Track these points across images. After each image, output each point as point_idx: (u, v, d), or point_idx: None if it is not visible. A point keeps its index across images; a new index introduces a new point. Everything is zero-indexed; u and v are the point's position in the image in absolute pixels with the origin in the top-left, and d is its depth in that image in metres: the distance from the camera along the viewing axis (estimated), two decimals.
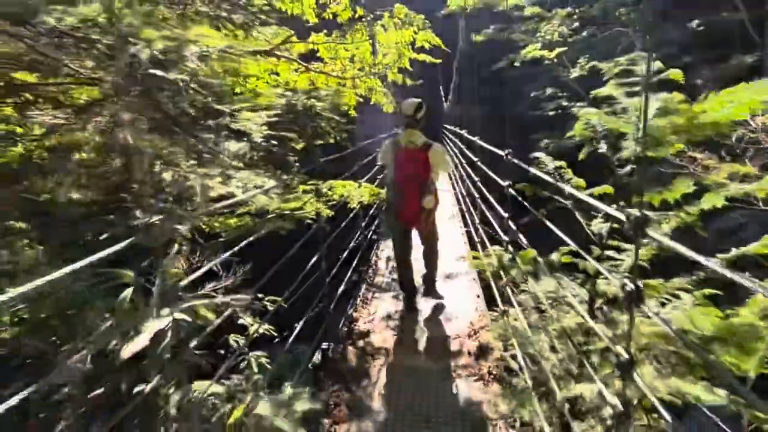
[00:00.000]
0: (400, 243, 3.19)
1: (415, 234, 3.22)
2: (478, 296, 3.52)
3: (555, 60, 13.13)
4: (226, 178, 1.67)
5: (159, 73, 1.63)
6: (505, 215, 2.56)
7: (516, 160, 2.21)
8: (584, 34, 13.54)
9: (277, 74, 3.95)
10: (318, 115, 2.57)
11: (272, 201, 1.80)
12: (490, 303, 3.44)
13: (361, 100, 5.23)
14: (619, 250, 1.72)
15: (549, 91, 14.23)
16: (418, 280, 3.36)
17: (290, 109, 2.45)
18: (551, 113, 13.81)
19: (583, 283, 1.69)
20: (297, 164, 2.27)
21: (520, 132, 12.78)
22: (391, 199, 3.07)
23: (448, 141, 11.05)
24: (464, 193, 5.91)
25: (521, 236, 2.15)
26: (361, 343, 2.91)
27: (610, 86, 1.63)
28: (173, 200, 1.54)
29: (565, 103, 14.02)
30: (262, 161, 2.27)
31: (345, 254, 3.63)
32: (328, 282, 3.00)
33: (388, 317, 3.27)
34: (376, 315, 3.32)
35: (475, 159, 4.11)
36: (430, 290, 3.42)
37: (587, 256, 1.48)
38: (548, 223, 1.79)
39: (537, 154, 2.13)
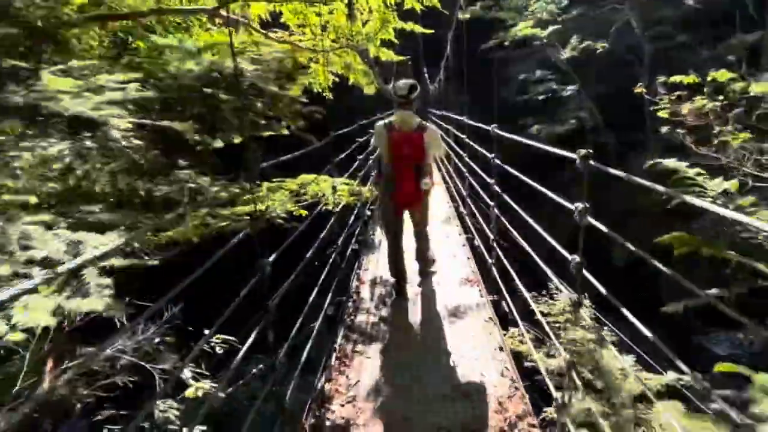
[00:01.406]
0: (392, 227, 3.09)
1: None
2: (501, 349, 2.52)
3: (545, 40, 12.20)
4: None
5: None
6: (574, 259, 1.54)
7: (622, 173, 1.17)
8: (574, 12, 12.65)
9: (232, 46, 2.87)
10: (254, 89, 1.45)
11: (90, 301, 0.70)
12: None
13: (336, 79, 4.22)
14: None
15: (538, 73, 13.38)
16: (410, 267, 3.29)
17: (199, 79, 1.33)
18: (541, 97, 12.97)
19: None
20: (193, 184, 1.17)
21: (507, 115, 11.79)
22: (385, 182, 2.97)
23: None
24: (464, 193, 4.89)
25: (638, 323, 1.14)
26: None
27: None
28: None
29: (555, 86, 13.22)
30: (126, 181, 1.15)
31: (313, 294, 2.55)
32: (285, 353, 1.95)
33: (377, 391, 2.24)
34: (360, 386, 2.28)
35: (491, 155, 3.06)
36: (425, 267, 3.34)
37: None
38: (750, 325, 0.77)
39: (670, 164, 1.10)
